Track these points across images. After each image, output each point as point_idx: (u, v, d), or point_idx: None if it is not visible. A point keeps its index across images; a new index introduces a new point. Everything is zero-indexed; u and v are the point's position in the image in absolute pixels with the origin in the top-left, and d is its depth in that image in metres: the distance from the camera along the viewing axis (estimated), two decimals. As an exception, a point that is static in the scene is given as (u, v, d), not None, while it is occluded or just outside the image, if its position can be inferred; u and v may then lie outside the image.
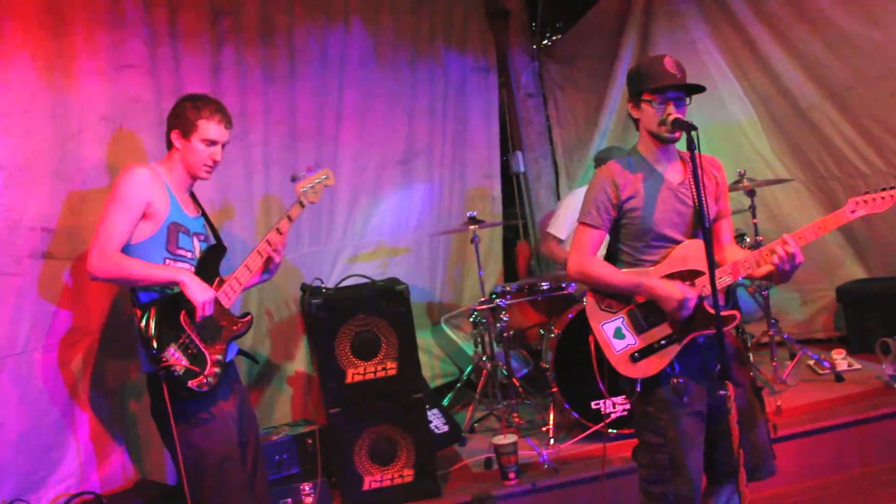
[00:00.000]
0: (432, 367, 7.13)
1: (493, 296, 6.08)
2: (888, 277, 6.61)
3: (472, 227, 6.03)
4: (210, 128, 3.78)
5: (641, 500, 3.58)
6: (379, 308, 4.96)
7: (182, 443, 3.64)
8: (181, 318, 3.66)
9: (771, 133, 6.96)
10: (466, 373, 6.74)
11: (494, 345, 6.28)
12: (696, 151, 3.23)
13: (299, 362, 6.07)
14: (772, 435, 3.82)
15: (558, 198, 8.34)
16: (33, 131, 4.25)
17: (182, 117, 3.78)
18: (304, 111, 6.09)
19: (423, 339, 6.91)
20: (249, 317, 3.98)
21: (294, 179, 4.14)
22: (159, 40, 4.96)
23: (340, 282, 5.27)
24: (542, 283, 6.07)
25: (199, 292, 3.62)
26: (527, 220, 8.41)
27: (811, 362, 6.22)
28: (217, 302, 3.77)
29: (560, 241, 6.58)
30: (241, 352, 4.12)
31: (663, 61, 3.50)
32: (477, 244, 6.11)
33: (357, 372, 4.91)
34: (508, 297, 6.07)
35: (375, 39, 6.68)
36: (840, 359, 6.11)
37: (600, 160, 6.30)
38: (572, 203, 6.57)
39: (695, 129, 3.27)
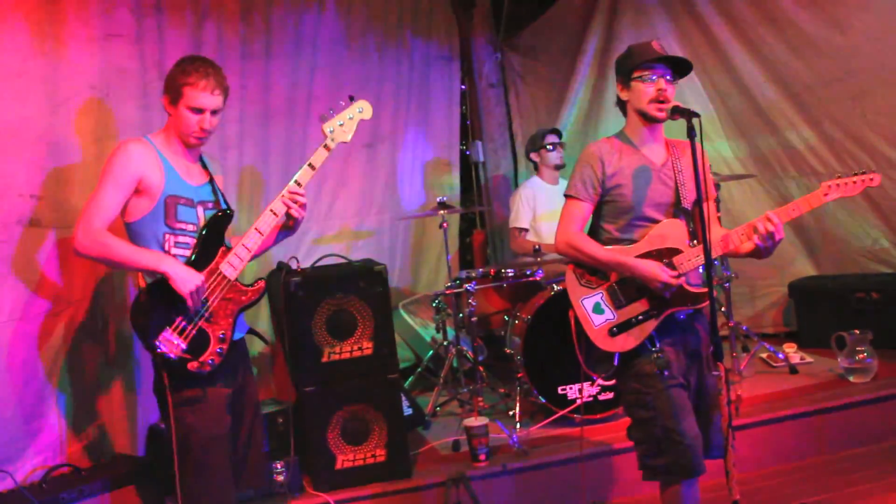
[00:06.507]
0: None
1: (458, 281, 6.11)
2: (838, 275, 6.79)
3: (441, 212, 6.06)
4: (196, 95, 3.55)
5: (644, 476, 3.64)
6: (357, 288, 4.94)
7: (175, 418, 3.53)
8: (178, 298, 3.47)
9: (729, 130, 7.07)
10: (426, 359, 6.76)
11: (457, 331, 6.31)
12: (698, 139, 3.38)
13: (262, 342, 6.04)
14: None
15: (516, 188, 8.39)
16: (24, 96, 4.21)
17: (171, 83, 3.60)
18: (277, 90, 6.10)
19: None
20: (261, 284, 3.77)
21: (323, 119, 3.91)
22: (145, 11, 4.94)
23: (317, 261, 5.25)
24: (508, 270, 6.12)
25: (183, 283, 3.44)
26: (483, 209, 8.45)
27: (765, 355, 6.38)
28: (220, 274, 3.61)
29: (525, 231, 6.67)
30: (251, 331, 3.99)
31: (651, 43, 3.68)
32: (446, 230, 6.14)
33: (333, 351, 4.89)
34: (474, 283, 6.09)
35: (347, 23, 6.70)
36: (792, 352, 6.27)
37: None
38: (523, 193, 6.77)
39: (696, 115, 3.42)
